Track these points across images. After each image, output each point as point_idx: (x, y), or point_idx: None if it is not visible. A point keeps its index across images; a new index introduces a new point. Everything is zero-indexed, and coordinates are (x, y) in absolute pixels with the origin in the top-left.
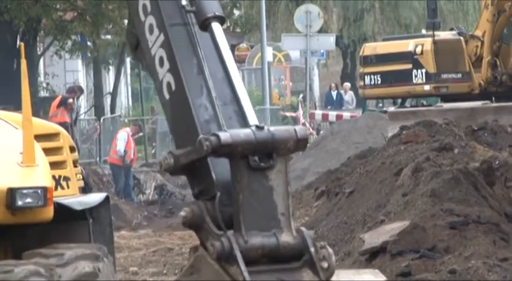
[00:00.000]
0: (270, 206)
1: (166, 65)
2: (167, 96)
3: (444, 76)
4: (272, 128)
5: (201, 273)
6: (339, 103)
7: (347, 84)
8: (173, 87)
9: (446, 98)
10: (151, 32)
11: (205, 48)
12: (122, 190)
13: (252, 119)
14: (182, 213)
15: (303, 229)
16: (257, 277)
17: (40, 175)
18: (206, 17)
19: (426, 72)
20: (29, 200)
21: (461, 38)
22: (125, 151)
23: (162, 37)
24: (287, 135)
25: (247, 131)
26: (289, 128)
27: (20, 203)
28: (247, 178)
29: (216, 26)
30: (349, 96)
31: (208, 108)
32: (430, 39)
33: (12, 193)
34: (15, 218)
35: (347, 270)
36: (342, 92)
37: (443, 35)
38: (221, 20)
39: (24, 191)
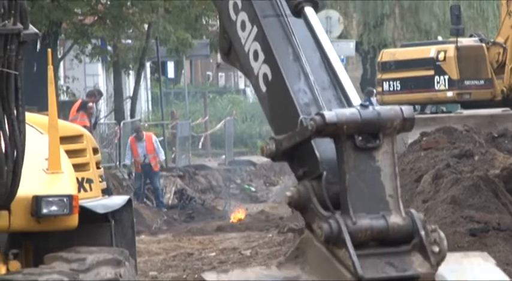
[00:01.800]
0: (377, 187)
1: (261, 56)
2: (264, 88)
3: (467, 83)
4: (377, 107)
5: (306, 256)
6: None
7: (370, 89)
8: (270, 77)
9: (467, 105)
10: (243, 28)
11: (300, 36)
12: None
13: (355, 100)
14: (288, 193)
15: (413, 211)
16: (365, 261)
17: (65, 182)
18: (298, 1)
19: (449, 79)
20: (54, 208)
21: (483, 44)
22: (145, 155)
23: (255, 30)
24: (393, 114)
25: (352, 110)
26: (395, 107)
27: (45, 211)
28: (354, 159)
29: (309, 10)
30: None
31: (307, 93)
32: (452, 46)
33: (37, 200)
34: (40, 225)
35: (455, 253)
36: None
37: (465, 41)
38: (314, 4)
39: (50, 199)
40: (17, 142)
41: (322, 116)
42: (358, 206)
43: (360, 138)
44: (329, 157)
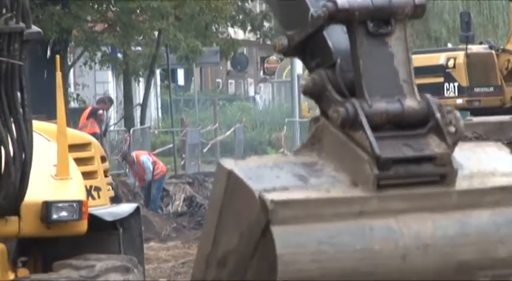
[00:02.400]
0: (391, 72)
1: None
2: None
3: (477, 90)
4: None
5: (322, 143)
6: None
7: None
8: None
9: (476, 112)
10: None
11: None
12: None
13: None
14: (303, 82)
15: (428, 95)
16: (382, 142)
17: (74, 188)
18: None
19: (459, 86)
20: (64, 213)
21: (493, 51)
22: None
23: None
24: (404, 0)
25: None
26: None
27: (55, 216)
28: (367, 45)
29: None
30: None
31: None
32: (462, 53)
33: (47, 206)
34: (50, 231)
35: (469, 143)
36: None
37: (474, 48)
38: None
39: (60, 204)
40: (24, 141)
41: (334, 2)
42: (372, 90)
43: (372, 24)
44: (342, 47)
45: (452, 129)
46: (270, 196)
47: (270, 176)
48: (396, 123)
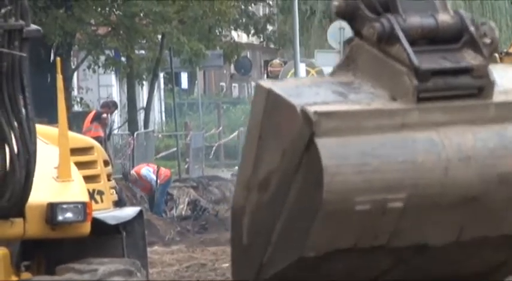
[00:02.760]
0: None
1: None
2: None
3: None
4: None
5: (357, 63)
6: None
7: None
8: None
9: None
10: None
11: None
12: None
13: None
14: (335, 3)
15: (461, 10)
16: (419, 56)
17: (77, 190)
18: None
19: None
20: (69, 215)
21: (496, 54)
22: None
23: None
24: None
25: None
26: None
27: (60, 218)
28: None
29: None
30: None
31: None
32: None
33: (52, 207)
34: (55, 232)
35: (499, 64)
36: None
37: None
38: None
39: (64, 206)
40: (27, 139)
41: None
42: (406, 6)
43: None
44: None
45: (487, 40)
46: (312, 108)
47: (310, 93)
48: (431, 39)
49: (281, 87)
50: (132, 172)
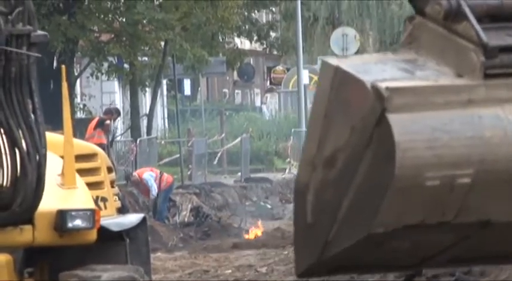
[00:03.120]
0: None
1: None
2: None
3: None
4: None
5: (420, 41)
6: None
7: None
8: None
9: None
10: None
11: None
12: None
13: None
14: None
15: None
16: (486, 33)
17: (83, 197)
18: None
19: None
20: (78, 222)
21: None
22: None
23: None
24: None
25: None
26: None
27: (70, 225)
28: None
29: None
30: None
31: None
32: None
33: (62, 215)
34: (62, 240)
35: None
36: None
37: None
38: None
39: (74, 213)
40: (37, 143)
41: None
42: None
43: None
44: None
45: None
46: (383, 84)
47: (377, 70)
48: (494, 16)
49: (348, 64)
50: (135, 173)
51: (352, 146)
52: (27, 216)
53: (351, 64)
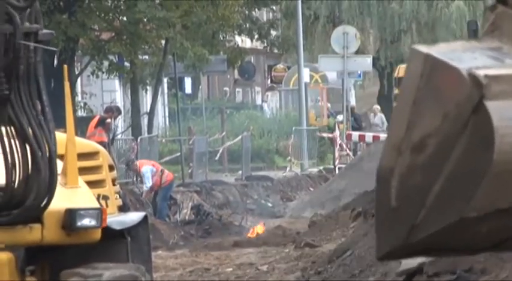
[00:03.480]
0: None
1: None
2: None
3: None
4: None
5: (503, 29)
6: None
7: (377, 107)
8: None
9: None
10: None
11: None
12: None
13: None
14: None
15: None
16: None
17: (87, 196)
18: None
19: None
20: (86, 220)
21: None
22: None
23: None
24: None
25: None
26: None
27: (78, 224)
28: None
29: None
30: (378, 118)
31: None
32: None
33: (71, 214)
34: (70, 238)
35: None
36: (371, 114)
37: None
38: None
39: (82, 212)
40: (48, 140)
41: None
42: None
43: None
44: None
45: None
46: (481, 72)
47: (468, 58)
48: None
49: (439, 52)
50: (137, 162)
51: (444, 133)
52: (40, 212)
53: (441, 52)
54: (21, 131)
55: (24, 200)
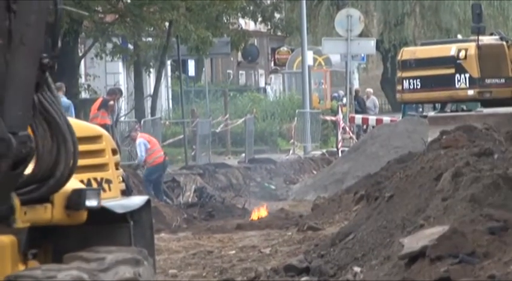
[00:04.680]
0: None
1: None
2: None
3: (488, 81)
4: None
5: None
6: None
7: (369, 90)
8: None
9: (487, 103)
10: None
11: None
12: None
13: None
14: None
15: None
16: None
17: (74, 178)
18: None
19: (470, 77)
20: (93, 201)
21: (504, 42)
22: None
23: None
24: None
25: None
26: None
27: (88, 204)
28: None
29: None
30: (370, 102)
31: None
32: (473, 44)
33: (80, 194)
34: (69, 219)
35: None
36: (364, 97)
37: (485, 39)
38: None
39: (89, 192)
40: (67, 122)
41: None
42: None
43: None
44: None
45: None
46: None
47: None
48: None
49: None
50: (134, 133)
51: None
52: (66, 183)
53: None
54: (45, 102)
55: (54, 171)
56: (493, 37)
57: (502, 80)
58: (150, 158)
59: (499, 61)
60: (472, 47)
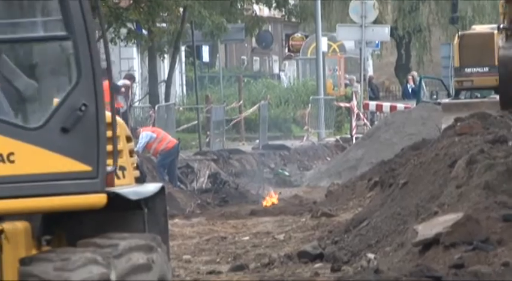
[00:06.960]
0: None
1: None
2: None
3: (468, 70)
4: None
5: None
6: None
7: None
8: None
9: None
10: None
11: None
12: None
13: None
14: None
15: None
16: None
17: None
18: None
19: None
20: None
21: (495, 31)
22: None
23: None
24: None
25: None
26: None
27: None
28: None
29: None
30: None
31: None
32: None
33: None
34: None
35: None
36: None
37: (478, 28)
38: None
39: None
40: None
41: None
42: None
43: None
44: None
45: None
46: None
47: None
48: None
49: None
50: (140, 129)
51: None
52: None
53: None
54: None
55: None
56: (488, 26)
57: (486, 69)
58: (161, 146)
59: (483, 50)
60: (455, 37)
